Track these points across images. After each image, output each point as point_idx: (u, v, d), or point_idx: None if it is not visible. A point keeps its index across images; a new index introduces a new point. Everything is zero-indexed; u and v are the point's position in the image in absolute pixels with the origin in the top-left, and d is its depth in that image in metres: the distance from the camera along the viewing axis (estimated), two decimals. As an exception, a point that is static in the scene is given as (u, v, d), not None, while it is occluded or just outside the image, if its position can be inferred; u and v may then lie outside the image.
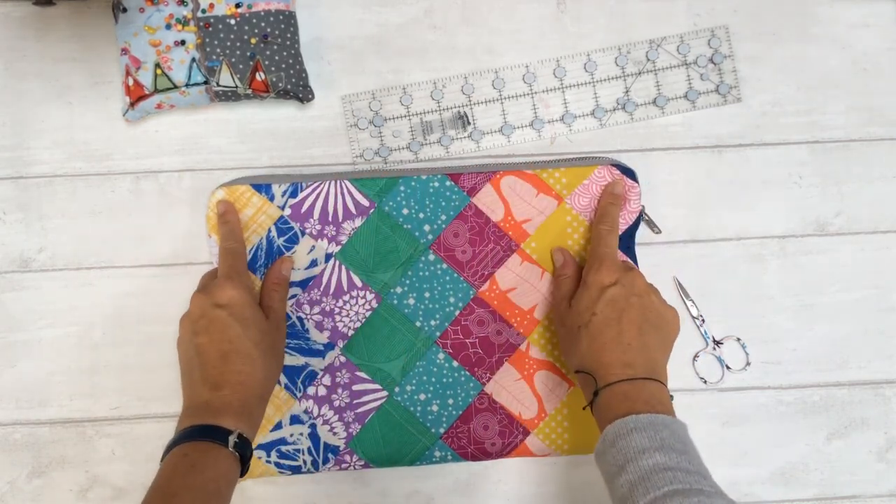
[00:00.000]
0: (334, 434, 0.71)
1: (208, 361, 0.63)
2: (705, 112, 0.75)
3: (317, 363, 0.71)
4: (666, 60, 0.75)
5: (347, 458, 0.71)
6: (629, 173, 0.72)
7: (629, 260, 0.71)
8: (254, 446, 0.70)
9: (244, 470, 0.61)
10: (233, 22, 0.71)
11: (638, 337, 0.63)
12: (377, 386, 0.71)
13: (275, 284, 0.69)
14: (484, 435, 0.71)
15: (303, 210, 0.71)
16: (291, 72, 0.71)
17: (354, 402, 0.71)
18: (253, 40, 0.71)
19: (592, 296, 0.66)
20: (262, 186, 0.71)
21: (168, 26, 0.71)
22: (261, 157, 0.74)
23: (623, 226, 0.71)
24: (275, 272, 0.70)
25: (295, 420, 0.71)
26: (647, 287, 0.66)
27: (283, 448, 0.71)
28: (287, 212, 0.71)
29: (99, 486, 0.72)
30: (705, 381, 0.74)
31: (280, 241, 0.71)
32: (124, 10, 0.71)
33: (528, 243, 0.71)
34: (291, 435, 0.71)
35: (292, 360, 0.71)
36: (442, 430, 0.71)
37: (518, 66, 0.75)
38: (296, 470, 0.71)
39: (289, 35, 0.71)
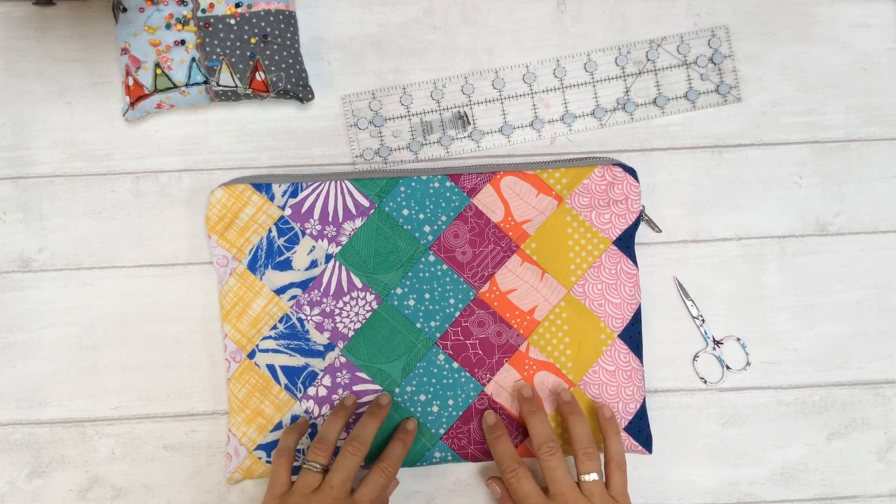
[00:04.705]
0: (334, 434, 0.71)
1: None
2: (705, 112, 0.75)
3: (317, 364, 0.71)
4: (666, 60, 0.75)
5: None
6: (630, 173, 0.72)
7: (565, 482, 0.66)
8: (254, 447, 0.70)
9: None
10: (233, 22, 0.70)
11: None
12: (377, 386, 0.71)
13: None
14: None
15: (303, 210, 0.71)
16: (291, 72, 0.71)
17: (354, 402, 0.71)
18: (253, 40, 0.70)
19: None
20: (262, 186, 0.71)
21: (168, 26, 0.71)
22: (261, 157, 0.74)
23: (623, 226, 0.72)
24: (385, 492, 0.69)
25: (295, 420, 0.71)
26: None
27: (284, 448, 0.71)
28: (287, 212, 0.71)
29: (99, 486, 0.72)
30: (705, 381, 0.74)
31: (280, 241, 0.71)
32: (124, 9, 0.71)
33: (528, 244, 0.71)
34: (291, 435, 0.71)
35: (292, 360, 0.71)
36: (442, 431, 0.71)
37: (518, 66, 0.75)
38: (296, 470, 0.71)
39: (289, 35, 0.71)
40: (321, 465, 0.65)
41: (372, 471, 0.66)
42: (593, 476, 0.66)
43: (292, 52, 0.71)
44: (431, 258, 0.71)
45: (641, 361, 0.72)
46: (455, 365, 0.71)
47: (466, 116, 0.75)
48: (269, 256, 0.71)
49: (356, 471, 0.65)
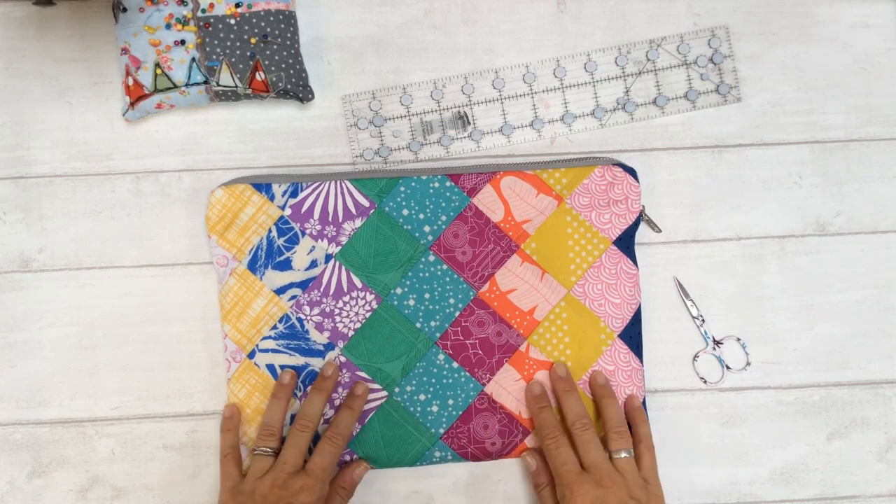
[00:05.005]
0: (334, 434, 0.71)
1: None
2: (705, 112, 0.75)
3: (317, 363, 0.71)
4: (666, 60, 0.75)
5: (347, 457, 0.71)
6: (630, 173, 0.72)
7: (598, 459, 0.67)
8: (254, 446, 0.70)
9: None
10: (233, 22, 0.71)
11: None
12: (377, 386, 0.71)
13: (342, 488, 0.68)
14: (484, 434, 0.71)
15: (303, 210, 0.71)
16: (291, 72, 0.71)
17: (354, 402, 0.71)
18: (253, 40, 0.70)
19: None
20: (262, 186, 0.71)
21: (168, 26, 0.71)
22: (261, 157, 0.74)
23: (623, 226, 0.72)
24: (347, 476, 0.69)
25: (293, 419, 0.71)
26: (625, 492, 0.65)
27: (284, 448, 0.71)
28: (287, 212, 0.71)
29: (99, 486, 0.72)
30: (705, 381, 0.74)
31: (280, 241, 0.71)
32: (124, 9, 0.71)
33: (528, 244, 0.71)
34: (292, 435, 0.71)
35: (292, 360, 0.71)
36: (442, 431, 0.71)
37: (518, 66, 0.75)
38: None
39: (289, 35, 0.71)
40: (271, 449, 0.67)
41: (321, 441, 0.67)
42: (624, 454, 0.67)
43: (292, 52, 0.71)
44: (431, 258, 0.71)
45: (641, 361, 0.72)
46: (455, 365, 0.71)
47: (466, 116, 0.75)
48: (269, 256, 0.71)
49: (307, 447, 0.67)
